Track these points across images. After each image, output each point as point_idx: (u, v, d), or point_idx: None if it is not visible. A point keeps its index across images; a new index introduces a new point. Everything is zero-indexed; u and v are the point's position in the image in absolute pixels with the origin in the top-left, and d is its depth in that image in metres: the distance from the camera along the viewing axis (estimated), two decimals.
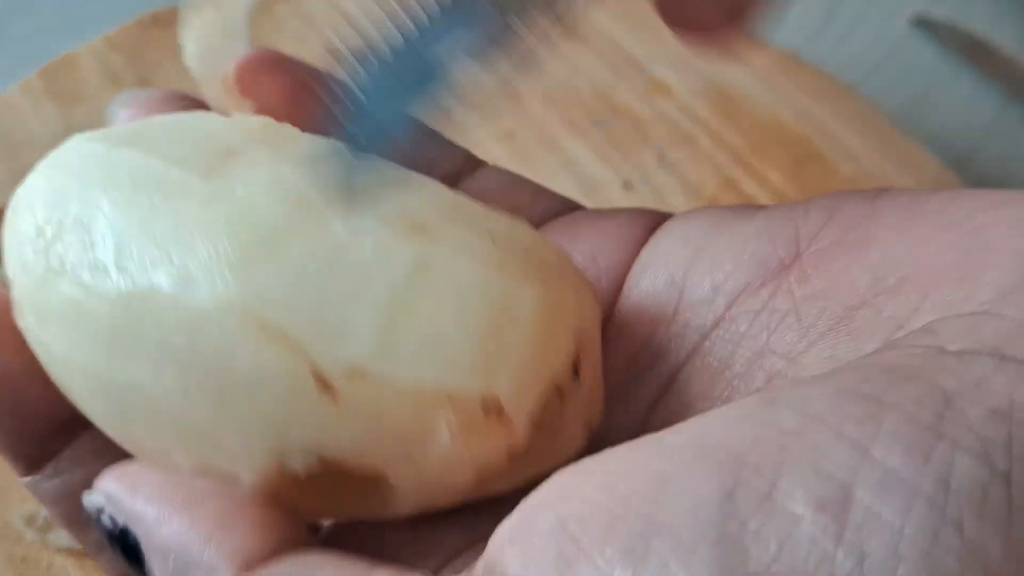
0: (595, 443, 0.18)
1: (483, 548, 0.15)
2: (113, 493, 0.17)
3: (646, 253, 0.21)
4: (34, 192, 0.19)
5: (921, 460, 0.12)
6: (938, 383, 0.13)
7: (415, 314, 0.16)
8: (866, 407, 0.13)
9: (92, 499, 0.18)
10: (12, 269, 0.19)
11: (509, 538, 0.15)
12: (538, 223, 0.22)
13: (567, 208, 0.23)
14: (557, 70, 0.42)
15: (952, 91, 0.51)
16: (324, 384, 0.16)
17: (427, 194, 0.19)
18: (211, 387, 0.17)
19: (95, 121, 0.43)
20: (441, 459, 0.17)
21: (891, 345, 0.15)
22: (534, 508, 0.15)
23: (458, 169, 0.24)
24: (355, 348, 0.16)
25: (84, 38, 0.45)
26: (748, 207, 0.20)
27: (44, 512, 0.32)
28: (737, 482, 0.13)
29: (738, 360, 0.18)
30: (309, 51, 0.25)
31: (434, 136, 0.22)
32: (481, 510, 0.18)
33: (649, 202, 0.42)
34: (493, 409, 0.17)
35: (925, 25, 0.53)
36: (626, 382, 0.20)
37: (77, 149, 0.20)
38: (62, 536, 0.31)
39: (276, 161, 0.18)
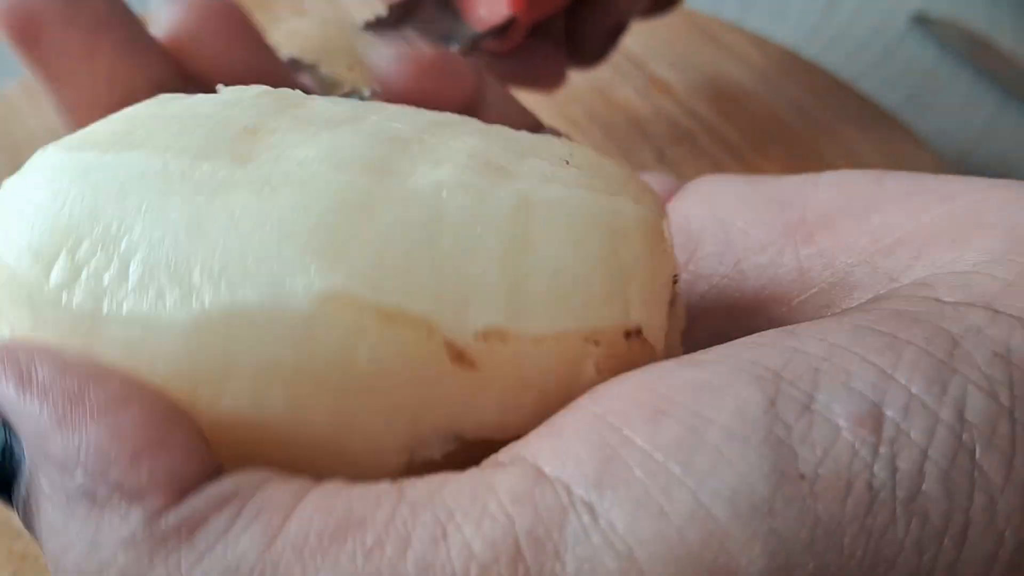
0: None
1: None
2: None
3: (668, 210, 0.21)
4: (26, 218, 0.16)
5: (939, 390, 0.13)
6: (943, 327, 0.14)
7: (535, 258, 0.15)
8: (884, 340, 0.14)
9: None
10: (17, 318, 0.16)
11: (536, 437, 0.14)
12: None
13: None
14: None
15: (951, 88, 0.51)
16: (458, 355, 0.15)
17: (474, 132, 0.17)
18: (327, 395, 0.14)
19: None
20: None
21: (889, 293, 0.16)
22: (559, 416, 0.14)
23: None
24: (486, 310, 0.15)
25: None
26: (763, 176, 0.21)
27: None
28: (777, 392, 0.13)
29: (740, 303, 0.19)
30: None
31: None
32: None
33: None
34: (634, 334, 0.16)
35: (924, 22, 0.53)
36: None
37: (57, 161, 0.16)
38: None
39: (306, 128, 0.16)
